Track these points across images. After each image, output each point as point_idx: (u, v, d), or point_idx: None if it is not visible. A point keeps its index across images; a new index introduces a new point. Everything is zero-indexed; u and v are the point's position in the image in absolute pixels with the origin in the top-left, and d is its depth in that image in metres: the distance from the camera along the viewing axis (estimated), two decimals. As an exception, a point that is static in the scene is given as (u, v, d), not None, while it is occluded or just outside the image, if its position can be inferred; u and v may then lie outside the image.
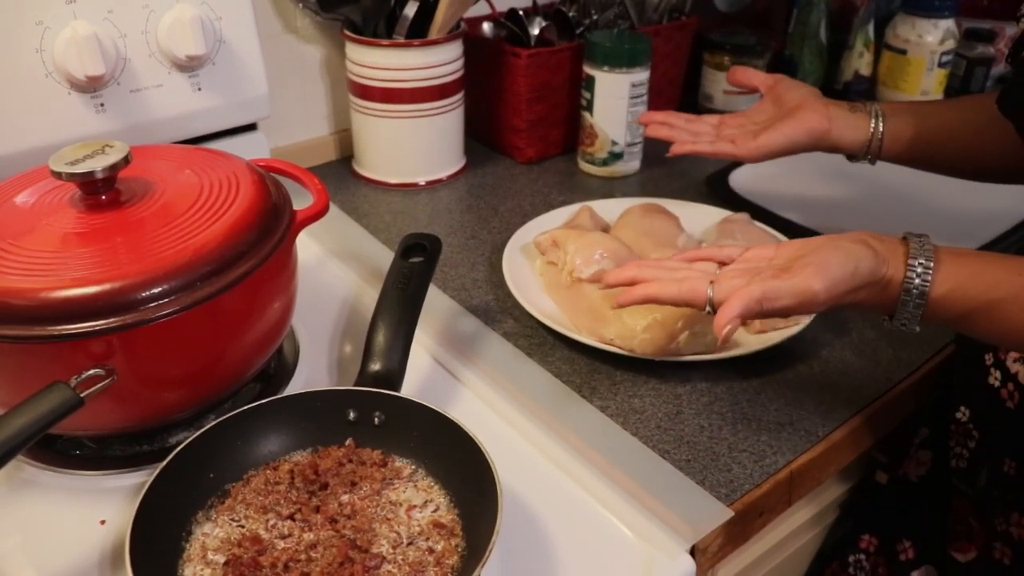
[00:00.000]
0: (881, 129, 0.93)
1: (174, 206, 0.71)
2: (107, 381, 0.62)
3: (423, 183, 1.22)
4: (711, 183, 1.22)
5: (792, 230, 1.04)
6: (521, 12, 1.26)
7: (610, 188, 1.23)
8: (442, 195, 1.21)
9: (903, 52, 1.53)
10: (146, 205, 0.71)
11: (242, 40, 1.04)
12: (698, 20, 1.41)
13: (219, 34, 1.02)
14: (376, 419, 0.71)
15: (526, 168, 1.29)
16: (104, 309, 0.62)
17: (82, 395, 0.59)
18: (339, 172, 1.27)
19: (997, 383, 0.82)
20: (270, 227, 0.73)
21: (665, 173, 1.27)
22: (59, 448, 0.74)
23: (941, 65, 1.52)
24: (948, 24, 1.50)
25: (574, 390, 0.82)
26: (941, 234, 1.10)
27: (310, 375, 0.84)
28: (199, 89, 1.02)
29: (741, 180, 1.22)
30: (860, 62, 1.56)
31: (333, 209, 1.13)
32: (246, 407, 0.69)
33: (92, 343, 0.63)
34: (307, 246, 1.04)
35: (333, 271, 1.02)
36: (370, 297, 0.82)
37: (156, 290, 0.64)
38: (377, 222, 1.12)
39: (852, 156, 0.97)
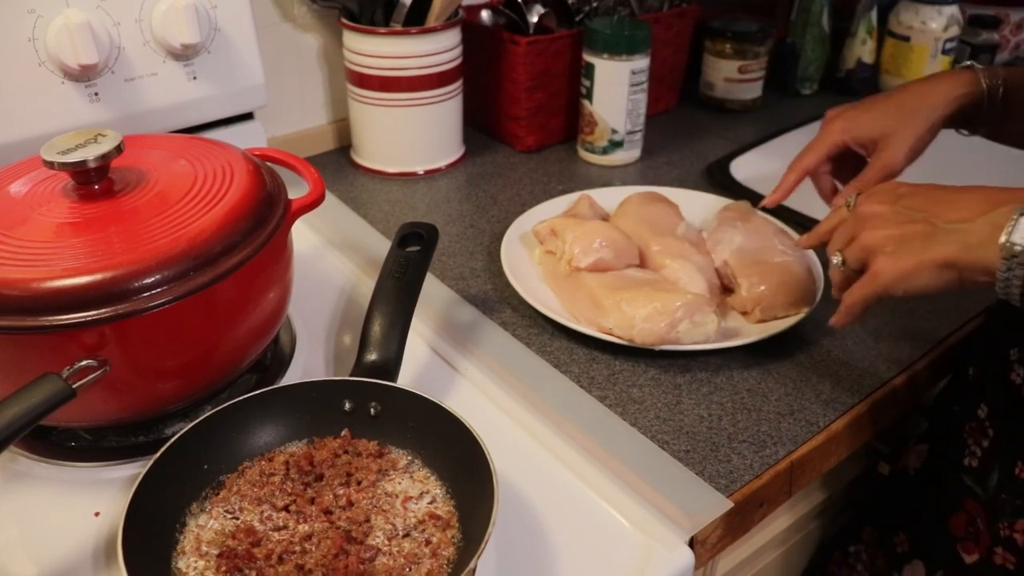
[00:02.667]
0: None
1: (168, 195, 0.71)
2: (99, 372, 0.61)
3: (422, 172, 1.21)
4: (711, 172, 1.22)
5: (794, 218, 1.04)
6: (519, 0, 1.25)
7: (610, 176, 1.22)
8: (441, 184, 1.20)
9: (906, 39, 1.52)
10: (140, 194, 0.71)
11: (238, 29, 1.03)
12: (699, 8, 1.40)
13: (214, 22, 1.01)
14: (372, 410, 0.70)
15: (525, 157, 1.28)
16: (96, 299, 0.61)
17: (74, 386, 0.58)
18: (337, 162, 1.26)
19: (1020, 380, 0.81)
20: (264, 216, 0.72)
21: (665, 162, 1.27)
22: (54, 440, 0.74)
23: (945, 52, 1.51)
24: (952, 10, 1.49)
25: (572, 380, 0.81)
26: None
27: (307, 365, 0.83)
28: (194, 78, 1.02)
29: (742, 168, 1.22)
30: (863, 49, 1.55)
31: (331, 199, 1.12)
32: (241, 398, 0.69)
33: (84, 334, 0.62)
34: (305, 236, 1.03)
35: (331, 261, 1.01)
36: (368, 287, 0.82)
37: (149, 280, 0.63)
38: (375, 212, 1.12)
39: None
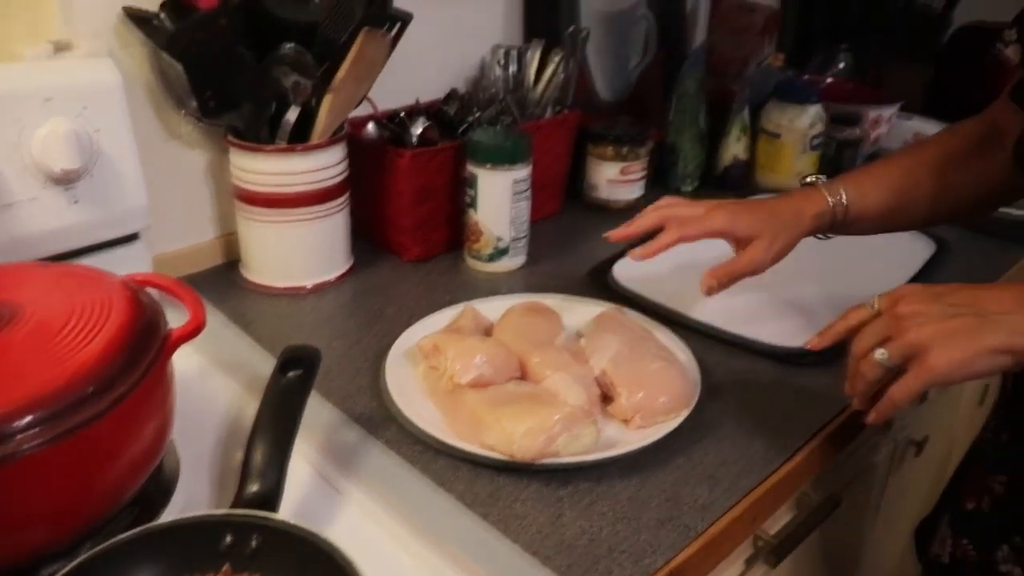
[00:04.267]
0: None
1: (41, 331, 0.70)
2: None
3: (310, 286, 1.22)
4: (594, 276, 1.25)
5: (667, 316, 1.08)
6: (403, 114, 1.28)
7: (496, 284, 1.25)
8: (328, 298, 1.21)
9: (777, 136, 1.61)
10: (12, 331, 0.70)
11: (121, 151, 1.03)
12: (579, 114, 1.45)
13: (96, 146, 1.00)
14: (254, 542, 0.69)
15: (412, 267, 1.29)
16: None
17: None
18: (226, 277, 1.26)
19: None
20: (142, 349, 0.72)
21: (550, 268, 1.30)
22: (-79, 590, 0.71)
23: (813, 148, 1.61)
24: (816, 109, 1.59)
25: (456, 498, 0.82)
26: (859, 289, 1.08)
27: (191, 494, 0.82)
28: (76, 202, 1.01)
29: (626, 270, 1.23)
30: (738, 147, 1.63)
31: (218, 317, 1.12)
32: (113, 541, 0.67)
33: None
34: (189, 357, 1.02)
35: (217, 381, 1.00)
36: (254, 409, 0.81)
37: (19, 423, 0.62)
38: (263, 329, 1.12)
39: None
